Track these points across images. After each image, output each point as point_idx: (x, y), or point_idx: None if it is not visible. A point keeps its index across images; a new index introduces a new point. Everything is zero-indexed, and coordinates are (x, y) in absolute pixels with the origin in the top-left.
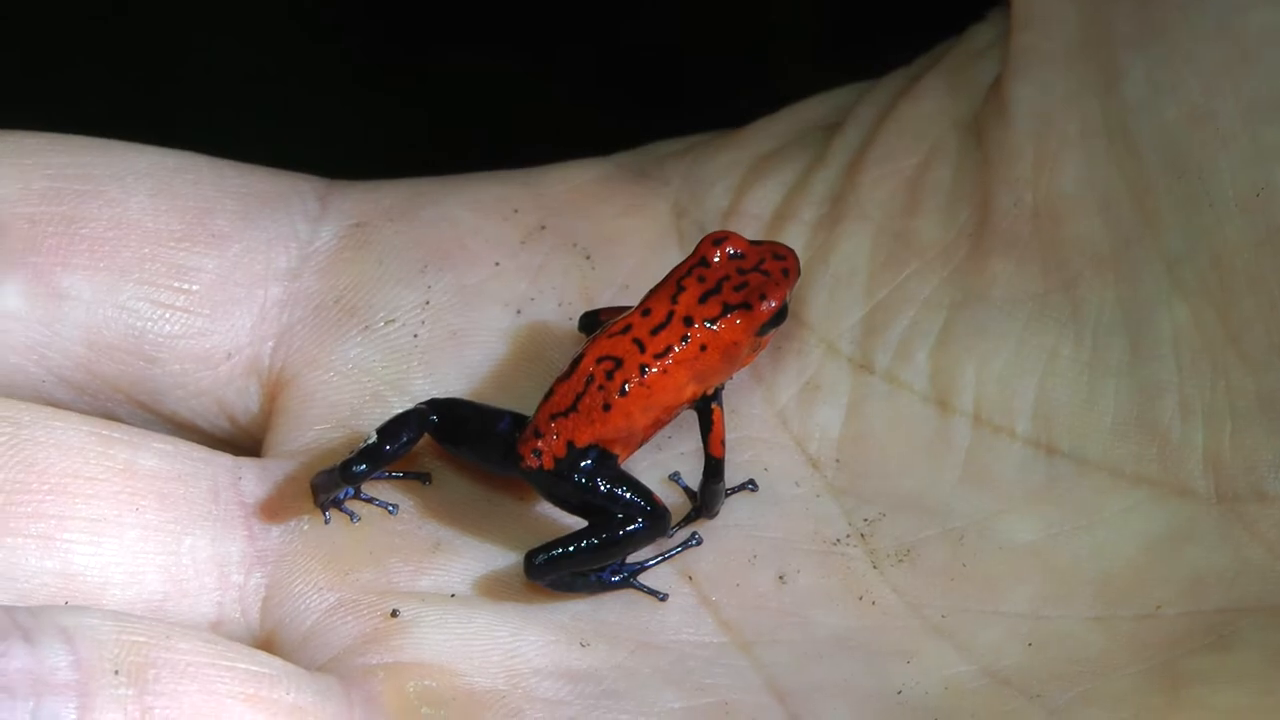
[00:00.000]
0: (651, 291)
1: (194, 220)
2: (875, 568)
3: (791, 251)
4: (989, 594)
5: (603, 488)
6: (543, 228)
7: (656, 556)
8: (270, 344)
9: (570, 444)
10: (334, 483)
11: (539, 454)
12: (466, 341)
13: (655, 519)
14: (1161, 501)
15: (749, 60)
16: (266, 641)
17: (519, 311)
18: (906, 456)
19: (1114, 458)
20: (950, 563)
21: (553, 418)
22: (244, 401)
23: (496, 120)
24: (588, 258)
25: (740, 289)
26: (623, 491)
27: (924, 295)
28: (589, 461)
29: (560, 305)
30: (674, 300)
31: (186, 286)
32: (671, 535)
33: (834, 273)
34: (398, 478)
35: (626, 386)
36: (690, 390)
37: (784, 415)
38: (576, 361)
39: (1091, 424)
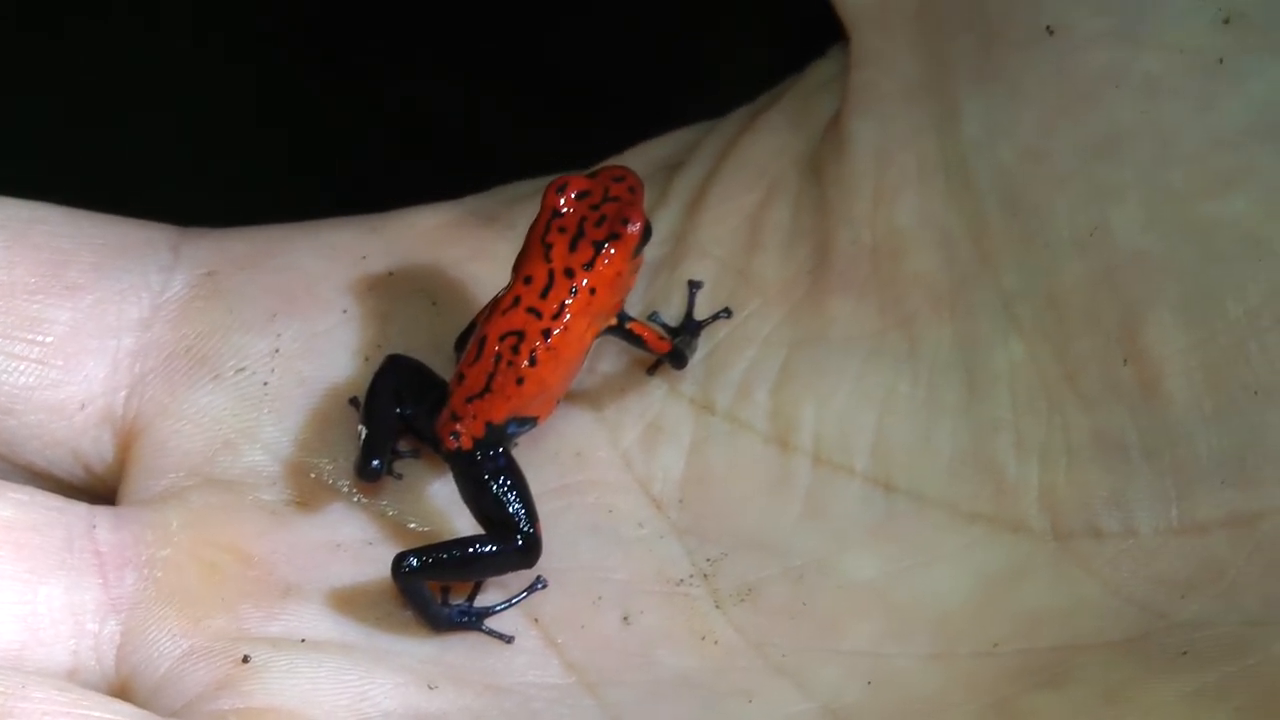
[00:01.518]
0: (520, 259)
1: (48, 272)
2: (718, 607)
3: (627, 169)
4: (829, 632)
5: (504, 485)
6: (390, 274)
7: (504, 602)
8: (123, 394)
9: (488, 423)
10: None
11: (457, 436)
12: (316, 389)
13: (530, 544)
14: (998, 539)
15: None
16: (122, 688)
17: (367, 359)
18: (748, 496)
19: (951, 495)
20: (791, 601)
21: (468, 400)
22: (98, 450)
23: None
24: (434, 304)
25: (601, 224)
26: (516, 503)
27: (764, 334)
28: (502, 447)
29: (408, 352)
30: (547, 259)
31: (40, 338)
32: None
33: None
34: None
35: (534, 355)
36: (591, 333)
37: (628, 457)
38: (481, 343)
39: (929, 461)
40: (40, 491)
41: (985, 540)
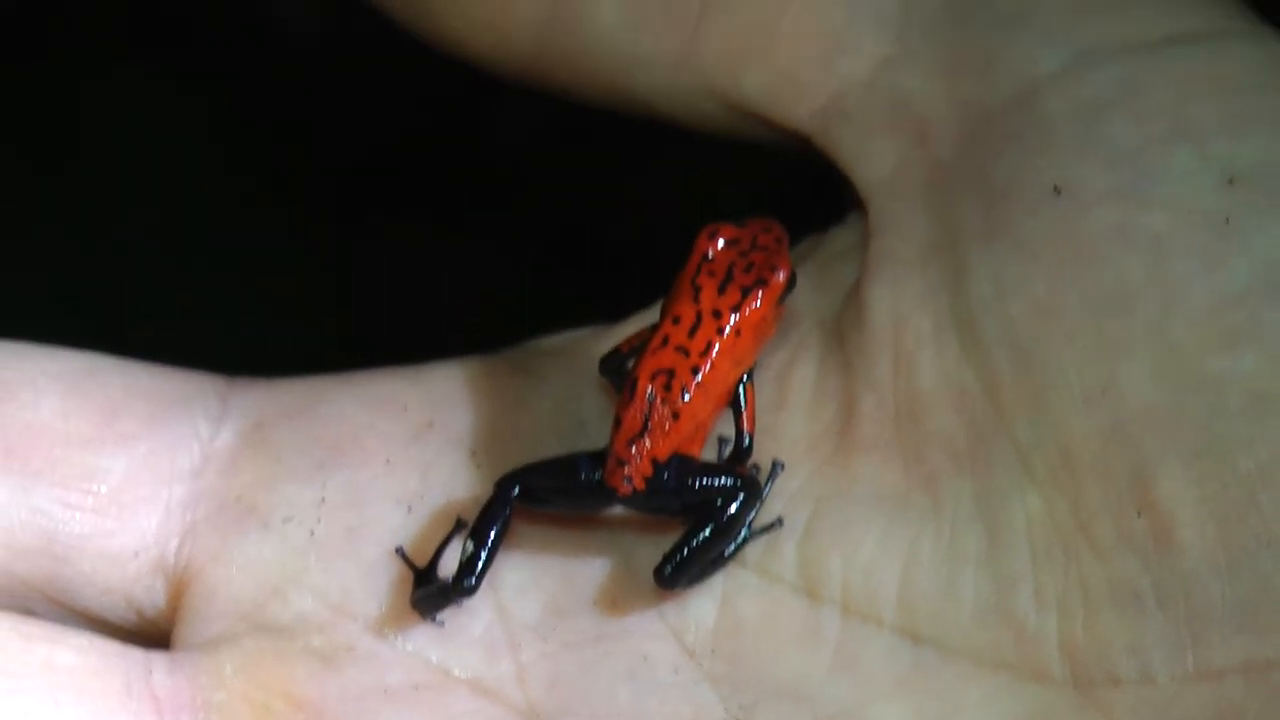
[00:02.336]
0: (669, 302)
1: (102, 423)
2: None
3: (774, 220)
4: None
5: (697, 486)
6: (431, 424)
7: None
8: (175, 542)
9: (654, 461)
10: (444, 601)
11: (629, 480)
12: (361, 538)
13: (751, 489)
14: (1021, 687)
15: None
16: None
17: (410, 509)
18: (779, 645)
19: (975, 645)
20: None
21: (629, 443)
22: (151, 597)
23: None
24: (473, 454)
25: (749, 270)
26: (714, 481)
27: (791, 490)
28: (673, 469)
29: (448, 502)
30: (696, 300)
31: (96, 488)
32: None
33: None
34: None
35: (686, 393)
36: (735, 375)
37: (661, 608)
38: (633, 386)
39: (953, 613)
40: (98, 637)
41: (1009, 689)
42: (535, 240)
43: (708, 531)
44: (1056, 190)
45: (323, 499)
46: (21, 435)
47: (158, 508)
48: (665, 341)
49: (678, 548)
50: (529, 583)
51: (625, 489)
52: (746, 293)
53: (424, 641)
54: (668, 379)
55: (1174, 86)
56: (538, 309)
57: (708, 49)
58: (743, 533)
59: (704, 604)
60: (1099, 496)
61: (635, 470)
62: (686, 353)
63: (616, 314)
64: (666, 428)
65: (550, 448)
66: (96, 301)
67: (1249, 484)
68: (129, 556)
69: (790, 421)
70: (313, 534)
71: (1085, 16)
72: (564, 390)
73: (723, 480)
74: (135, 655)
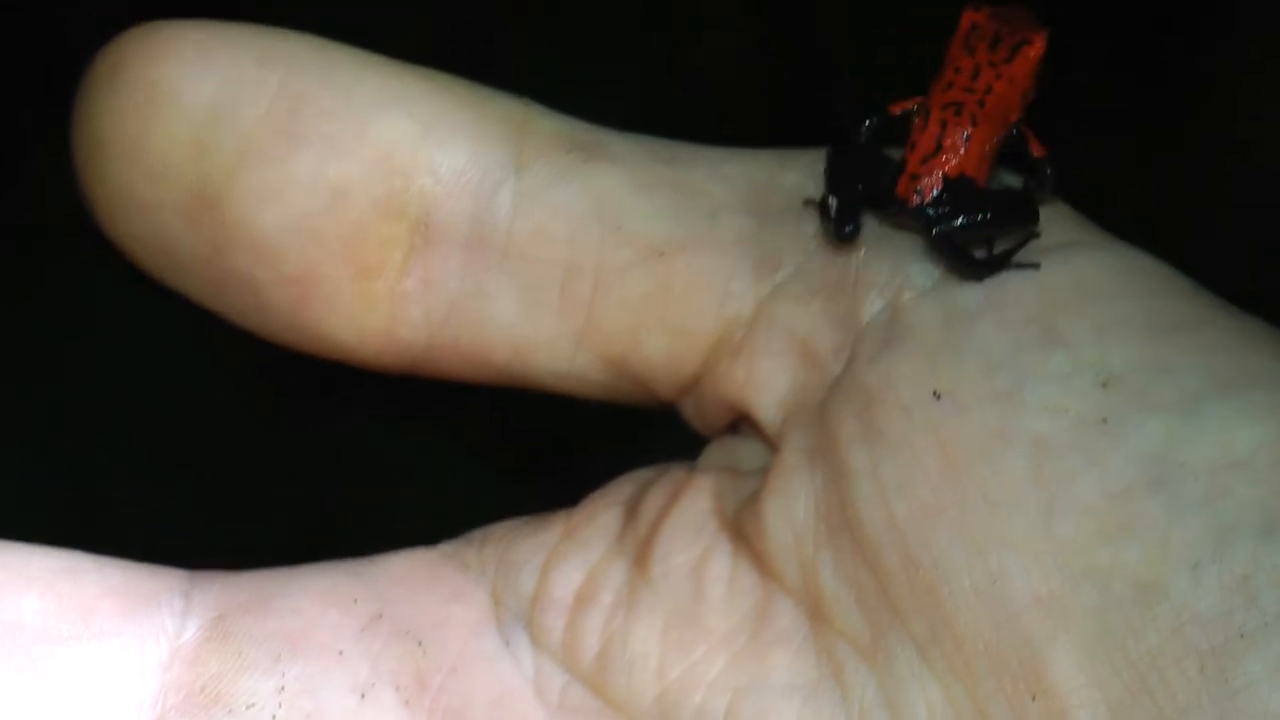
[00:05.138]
0: (946, 64)
1: (79, 619)
2: None
3: (1021, 4)
4: None
5: (978, 200)
6: (379, 616)
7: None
8: None
9: (945, 177)
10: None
11: (920, 192)
12: None
13: (1028, 207)
14: None
15: None
16: None
17: (363, 695)
18: None
19: None
20: None
21: (924, 161)
22: None
23: None
24: (419, 644)
25: (1013, 33)
26: (995, 198)
27: (709, 678)
28: (959, 189)
29: (397, 689)
30: (973, 55)
31: (74, 683)
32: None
33: (629, 656)
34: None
35: (975, 119)
36: (1008, 121)
37: None
38: (926, 114)
39: None
40: None
41: None
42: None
43: (986, 215)
44: (936, 395)
45: (282, 687)
46: (4, 635)
47: (130, 700)
48: (951, 85)
49: (958, 216)
50: None
51: (914, 200)
52: (1015, 50)
53: None
54: (957, 109)
55: (1039, 295)
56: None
57: (605, 325)
58: (1005, 241)
59: None
60: (994, 684)
61: (926, 185)
62: (972, 90)
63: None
64: (957, 149)
65: (489, 637)
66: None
67: (1140, 669)
68: None
69: (707, 614)
70: (274, 718)
71: None
72: (499, 580)
73: (1005, 196)
74: None
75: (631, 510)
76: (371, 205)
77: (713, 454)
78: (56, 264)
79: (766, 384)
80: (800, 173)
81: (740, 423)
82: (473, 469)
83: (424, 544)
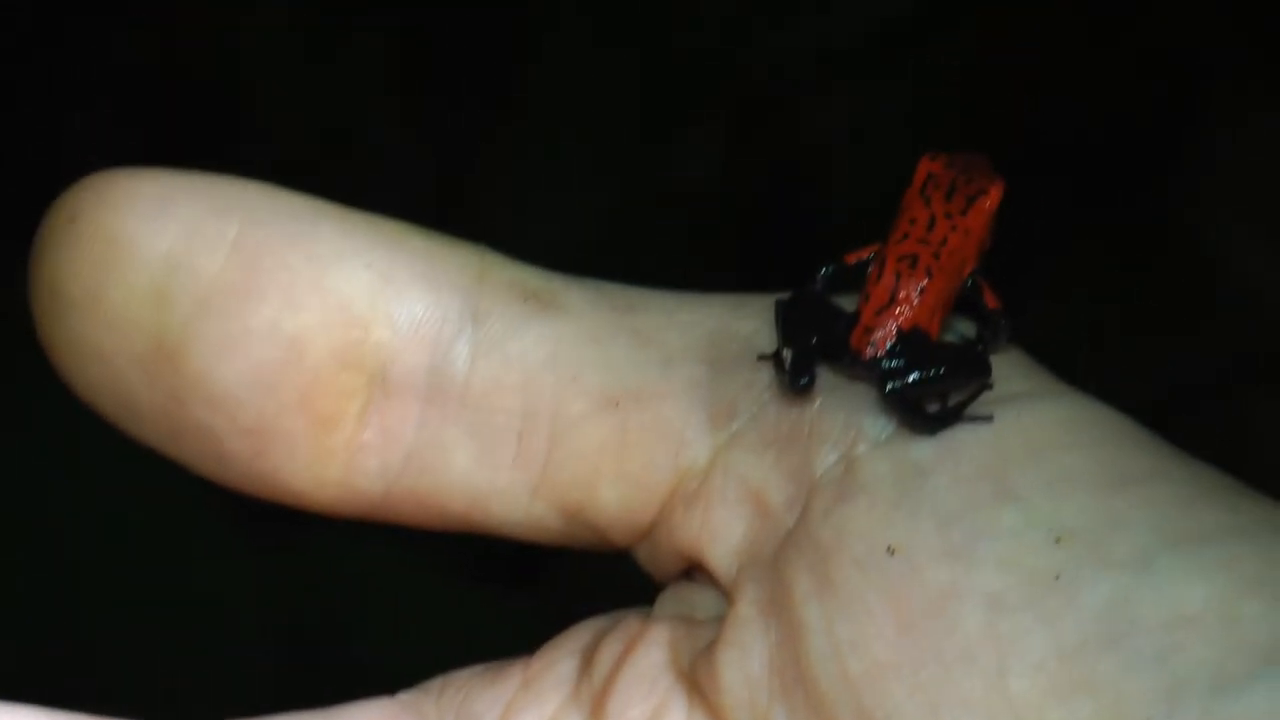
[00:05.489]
0: (901, 213)
1: None
2: None
3: (978, 153)
4: None
5: (931, 354)
6: None
7: (964, 404)
8: None
9: (898, 329)
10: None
11: (874, 345)
12: None
13: (980, 362)
14: None
15: None
16: None
17: None
18: None
19: None
20: None
21: (877, 313)
22: None
23: None
24: None
25: (969, 184)
26: (948, 350)
27: None
28: (913, 341)
29: None
30: (928, 206)
31: None
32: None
33: None
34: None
35: (930, 271)
36: (963, 272)
37: None
38: (881, 265)
39: None
40: None
41: None
42: None
43: (939, 370)
44: (890, 551)
45: None
46: None
47: None
48: (906, 236)
49: (912, 370)
50: None
51: (869, 353)
52: (971, 201)
53: None
54: (913, 261)
55: (992, 449)
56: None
57: (561, 475)
58: (958, 394)
59: None
60: None
61: (880, 338)
62: (927, 242)
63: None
64: (911, 302)
65: None
66: None
67: None
68: None
69: None
70: None
71: None
72: None
73: (957, 350)
74: None
75: (587, 660)
76: (329, 357)
77: (667, 601)
78: None
79: (721, 534)
80: (755, 320)
81: (694, 569)
82: (439, 578)
83: (388, 672)
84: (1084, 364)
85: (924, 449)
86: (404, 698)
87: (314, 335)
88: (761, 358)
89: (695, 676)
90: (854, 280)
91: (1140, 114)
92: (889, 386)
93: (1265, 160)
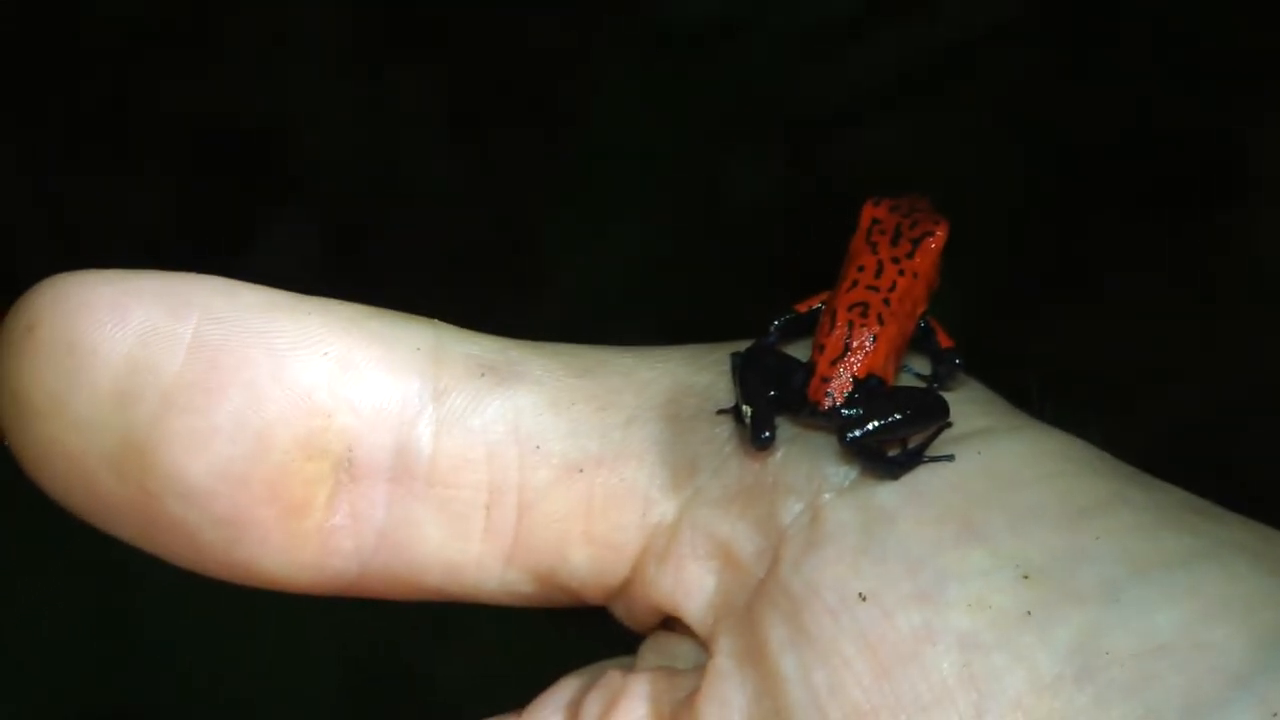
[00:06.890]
0: (849, 261)
1: None
2: None
3: (921, 196)
4: None
5: (889, 400)
6: None
7: (925, 443)
8: None
9: (854, 379)
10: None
11: (831, 395)
12: None
13: (939, 404)
14: None
15: None
16: None
17: None
18: None
19: None
20: None
21: (832, 363)
22: None
23: None
24: None
25: (914, 227)
26: (905, 394)
27: None
28: (869, 389)
29: None
30: (875, 252)
31: None
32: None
33: None
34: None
35: (881, 318)
36: (914, 316)
37: None
38: (833, 315)
39: None
40: None
41: None
42: None
43: (898, 416)
44: (861, 597)
45: None
46: None
47: None
48: (855, 284)
49: (871, 418)
50: None
51: (826, 403)
52: (917, 244)
53: None
54: (863, 309)
55: (955, 489)
56: None
57: (531, 542)
58: (919, 436)
59: None
60: None
61: (837, 387)
62: (876, 289)
63: None
64: (865, 350)
65: None
66: None
67: None
68: None
69: None
70: None
71: None
72: None
73: (914, 394)
74: None
75: (573, 715)
76: (295, 447)
77: (648, 652)
78: None
79: (694, 589)
80: (711, 372)
81: (672, 620)
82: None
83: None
84: (1148, 378)
85: (888, 493)
86: None
87: (278, 427)
88: (720, 412)
89: None
90: (807, 329)
91: (1197, 132)
92: (849, 436)
93: None
